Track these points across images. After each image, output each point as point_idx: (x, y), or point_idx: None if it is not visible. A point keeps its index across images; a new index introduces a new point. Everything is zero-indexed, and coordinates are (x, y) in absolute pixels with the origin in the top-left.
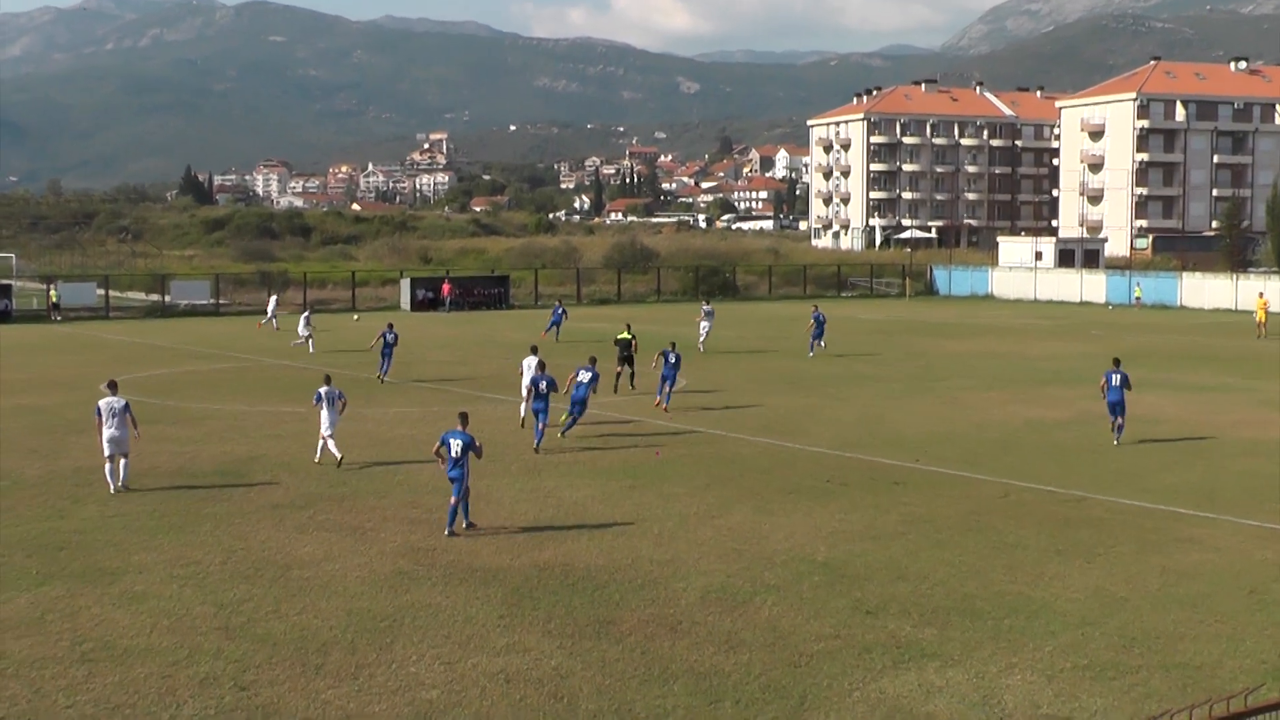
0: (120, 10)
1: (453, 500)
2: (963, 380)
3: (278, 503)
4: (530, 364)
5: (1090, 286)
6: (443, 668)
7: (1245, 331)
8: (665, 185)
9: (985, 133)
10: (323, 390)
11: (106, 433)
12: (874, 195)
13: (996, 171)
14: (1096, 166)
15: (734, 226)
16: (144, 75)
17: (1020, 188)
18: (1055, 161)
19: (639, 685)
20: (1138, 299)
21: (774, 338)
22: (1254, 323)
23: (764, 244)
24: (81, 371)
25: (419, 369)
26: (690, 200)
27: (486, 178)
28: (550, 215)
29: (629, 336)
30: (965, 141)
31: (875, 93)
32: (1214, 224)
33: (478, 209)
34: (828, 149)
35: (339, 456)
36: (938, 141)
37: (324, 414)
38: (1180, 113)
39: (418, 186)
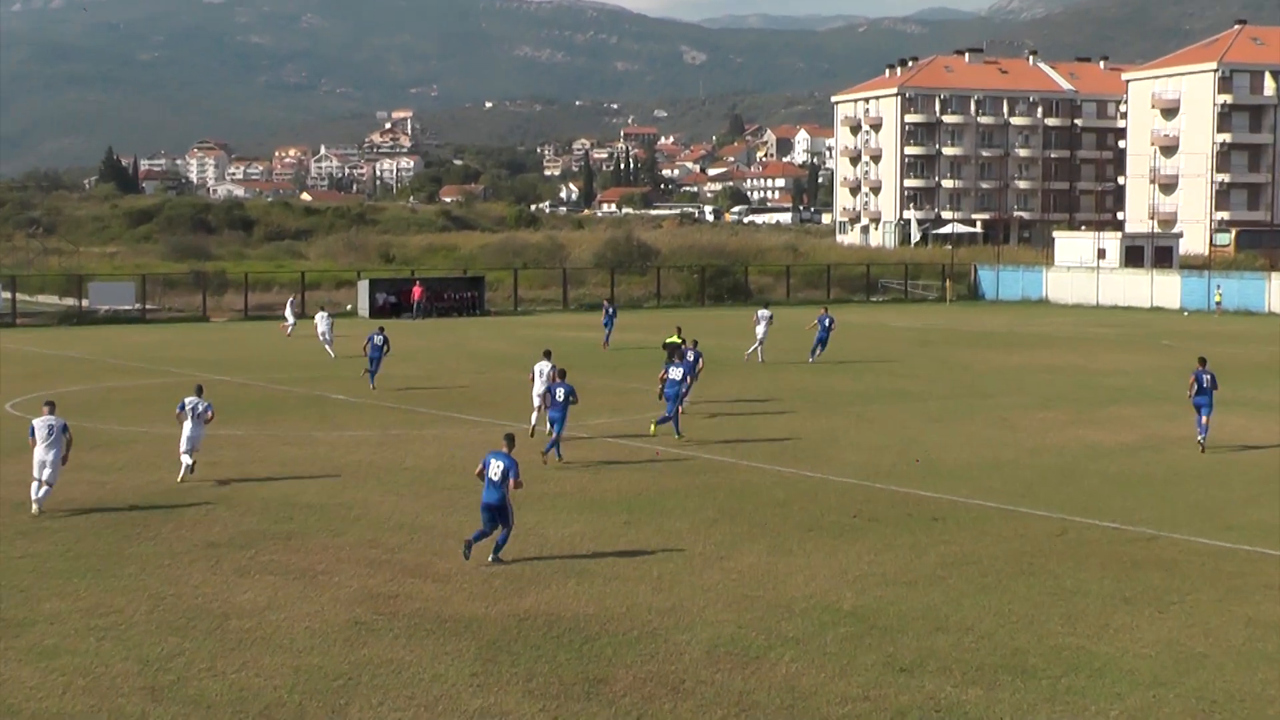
0: None
1: (503, 530)
2: (1013, 398)
3: (214, 541)
4: (543, 369)
5: (1162, 289)
6: None
7: None
8: (666, 172)
9: (1039, 110)
10: (188, 401)
11: (37, 454)
12: (909, 184)
13: (1052, 156)
14: (1170, 149)
15: (746, 220)
16: (58, 42)
17: (1080, 174)
18: (1121, 144)
19: None
20: (1218, 304)
21: (792, 349)
22: None
23: (781, 240)
24: None
25: (379, 385)
26: (695, 189)
27: (458, 163)
28: (532, 207)
29: (678, 340)
30: (1016, 121)
31: (911, 64)
32: None
33: (448, 199)
34: (855, 130)
35: (185, 466)
36: (984, 121)
37: (186, 426)
38: (1269, 86)
39: (378, 173)
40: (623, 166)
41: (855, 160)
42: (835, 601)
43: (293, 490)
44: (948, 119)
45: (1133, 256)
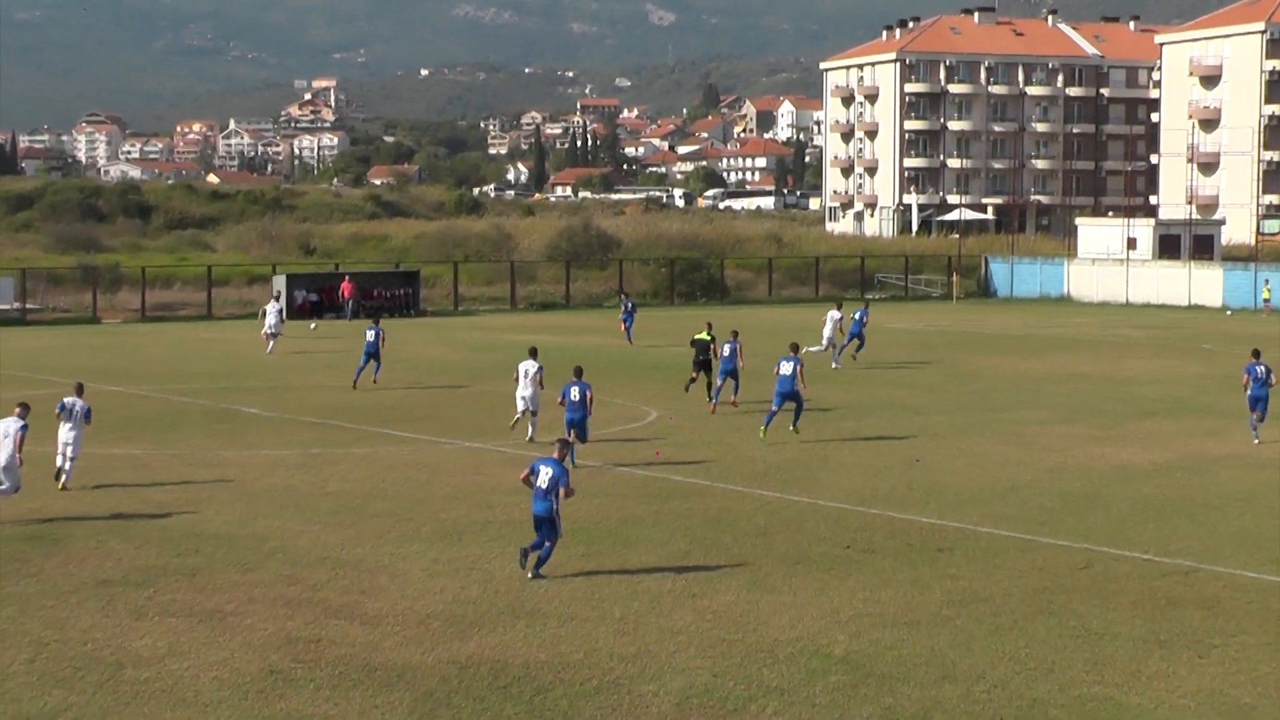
0: None
1: (547, 544)
2: (1030, 411)
3: (106, 578)
4: (528, 370)
5: (1201, 285)
6: None
7: None
8: (629, 150)
9: (1060, 79)
10: (67, 400)
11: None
12: (910, 163)
13: (1075, 131)
14: (1210, 123)
15: (722, 205)
16: None
17: (1107, 152)
18: (1154, 117)
19: None
20: (1266, 302)
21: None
22: None
23: (762, 229)
24: None
25: (297, 398)
26: (663, 170)
27: (389, 140)
28: (475, 190)
29: (708, 337)
30: (1033, 90)
31: (912, 25)
32: None
33: (377, 182)
34: (848, 101)
35: (61, 481)
36: (996, 91)
37: (62, 429)
38: None
39: (296, 151)
40: (579, 144)
41: (848, 137)
42: (825, 646)
43: (198, 519)
44: (954, 89)
45: (1168, 247)
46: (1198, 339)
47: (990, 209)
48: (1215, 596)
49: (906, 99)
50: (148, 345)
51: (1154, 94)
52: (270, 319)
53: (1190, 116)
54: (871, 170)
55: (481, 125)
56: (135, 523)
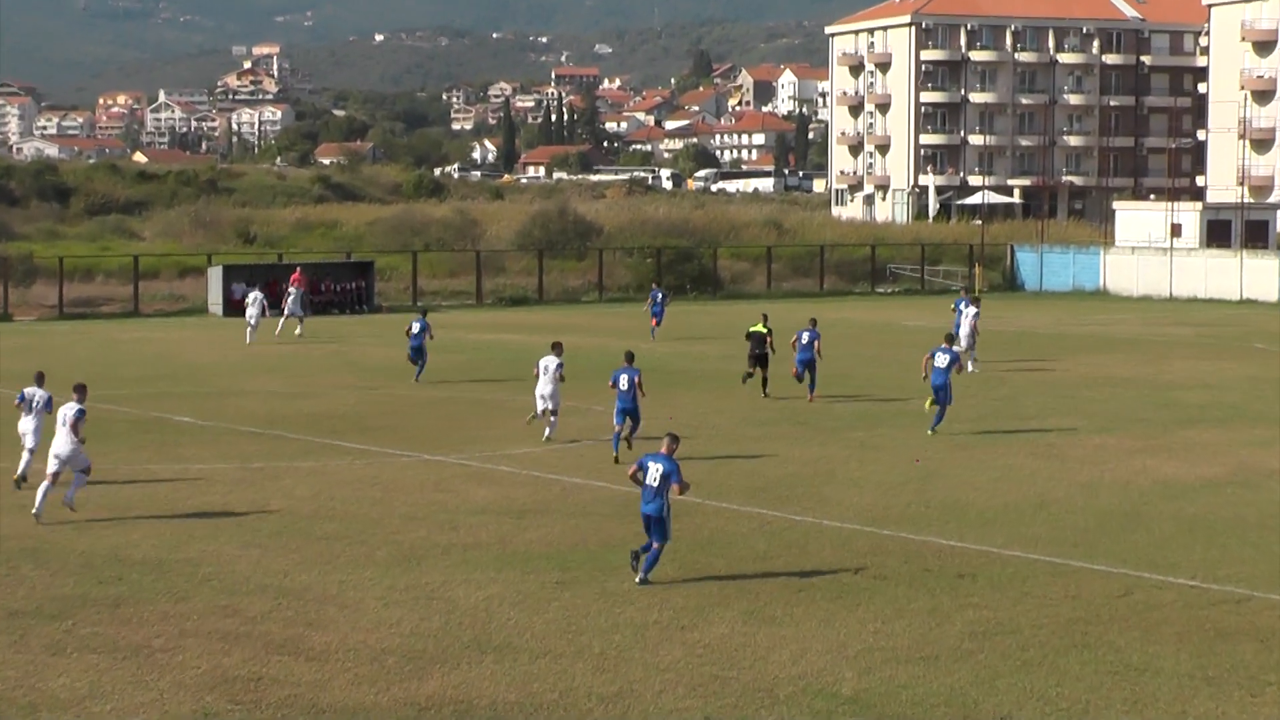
0: None
1: (655, 546)
2: (1062, 420)
3: (18, 609)
4: (549, 365)
5: (1255, 276)
6: None
7: None
8: (611, 125)
9: (1096, 45)
10: (27, 391)
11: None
12: (926, 140)
13: (1112, 104)
14: (1265, 95)
15: (715, 188)
16: None
17: (1148, 128)
18: (1202, 88)
19: None
20: None
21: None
22: None
23: (760, 214)
24: None
25: (236, 405)
26: (648, 148)
27: (340, 114)
28: (436, 171)
29: (764, 330)
30: (1065, 58)
31: None
32: None
33: (326, 161)
34: (856, 70)
35: (18, 475)
36: (1024, 58)
37: (23, 421)
38: None
39: (235, 127)
40: (554, 119)
41: (856, 110)
42: (832, 684)
43: (123, 542)
44: (976, 56)
45: (1217, 234)
46: (1250, 338)
47: (1017, 192)
48: (1270, 627)
49: (923, 68)
50: (67, 346)
51: (1201, 62)
52: (252, 310)
53: (1242, 87)
54: (883, 148)
55: (444, 97)
56: (51, 546)
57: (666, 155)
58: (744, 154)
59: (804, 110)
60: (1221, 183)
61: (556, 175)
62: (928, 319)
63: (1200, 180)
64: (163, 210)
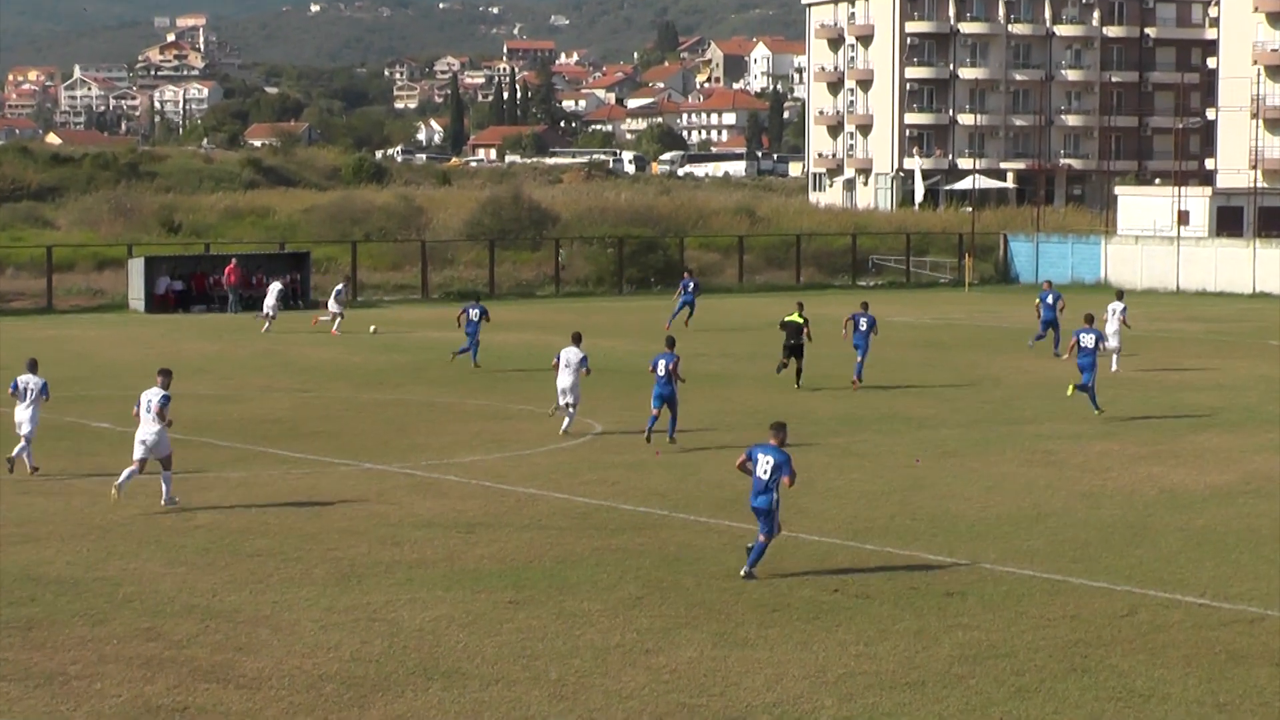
0: None
1: (761, 538)
2: (1060, 424)
3: None
4: (570, 359)
5: (1269, 267)
6: None
7: None
8: (568, 104)
9: (1096, 15)
10: (20, 379)
11: (140, 431)
12: (912, 120)
13: (1114, 80)
14: (1279, 70)
15: (682, 172)
16: None
17: (1154, 106)
18: (1211, 63)
19: None
20: None
21: (749, 355)
22: None
23: (732, 200)
24: None
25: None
26: (609, 129)
27: (272, 91)
28: (378, 154)
29: (800, 319)
30: (1062, 30)
31: None
32: None
33: (257, 143)
34: (836, 43)
35: (26, 463)
36: (1017, 30)
37: (19, 409)
38: None
39: (157, 105)
40: (506, 96)
41: (835, 87)
42: (810, 713)
43: (35, 559)
44: (966, 28)
45: (1228, 221)
46: (1265, 334)
47: (1010, 176)
48: None
49: (908, 41)
50: None
51: (1210, 34)
52: (270, 299)
53: (1255, 61)
54: (865, 129)
55: (386, 73)
56: None
57: (629, 136)
58: (713, 135)
59: (779, 87)
60: (1232, 166)
61: (509, 158)
62: (914, 314)
63: (1209, 163)
64: (78, 197)
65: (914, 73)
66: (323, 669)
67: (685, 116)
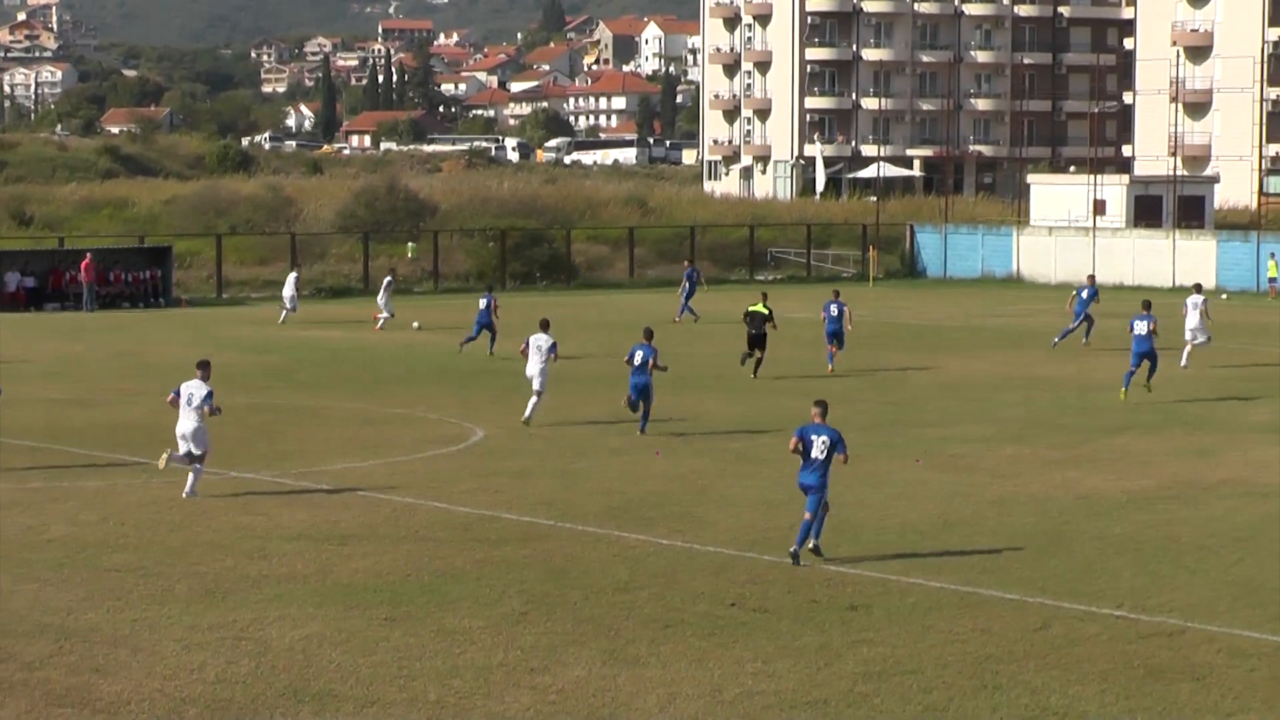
0: None
1: (807, 515)
2: (970, 427)
3: None
4: (540, 344)
5: (1189, 260)
6: None
7: None
8: (448, 88)
9: None
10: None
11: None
12: (812, 104)
13: (1026, 61)
14: (1201, 52)
15: (569, 160)
16: None
17: (1068, 89)
18: (1129, 43)
19: None
20: (1272, 282)
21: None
22: None
23: (621, 190)
24: None
25: (10, 415)
26: (491, 113)
27: (131, 74)
28: (245, 141)
29: (765, 310)
30: (971, 9)
31: None
32: None
33: (115, 130)
34: (731, 23)
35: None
36: (924, 9)
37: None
38: None
39: (7, 89)
40: (381, 80)
41: (732, 70)
42: None
43: None
44: (870, 6)
45: (1146, 211)
46: (1182, 329)
47: (917, 164)
48: (1208, 664)
49: (809, 20)
50: None
51: (1127, 13)
52: (288, 291)
53: (1174, 43)
54: (762, 113)
55: (253, 55)
56: None
57: (512, 122)
58: (602, 120)
59: (671, 70)
60: (1151, 153)
61: (384, 145)
62: (813, 311)
63: (1127, 150)
64: None
65: (815, 54)
66: (186, 692)
67: (572, 101)
